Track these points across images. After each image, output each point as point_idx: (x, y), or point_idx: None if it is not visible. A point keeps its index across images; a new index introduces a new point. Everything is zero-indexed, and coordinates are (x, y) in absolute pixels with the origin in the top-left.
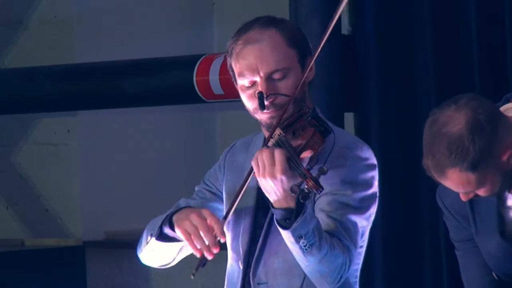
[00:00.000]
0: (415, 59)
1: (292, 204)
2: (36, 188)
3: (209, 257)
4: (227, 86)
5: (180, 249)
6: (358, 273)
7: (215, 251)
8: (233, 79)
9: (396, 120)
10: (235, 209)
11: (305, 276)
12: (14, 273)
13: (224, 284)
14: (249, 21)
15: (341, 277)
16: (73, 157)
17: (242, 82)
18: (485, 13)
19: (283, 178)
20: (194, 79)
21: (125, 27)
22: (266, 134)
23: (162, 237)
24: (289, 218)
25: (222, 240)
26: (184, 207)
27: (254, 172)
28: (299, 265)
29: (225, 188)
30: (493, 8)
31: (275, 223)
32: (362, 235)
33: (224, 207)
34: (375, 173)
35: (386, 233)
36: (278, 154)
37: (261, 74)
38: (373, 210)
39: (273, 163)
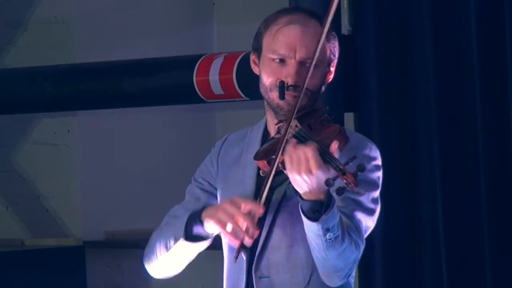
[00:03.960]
0: (415, 59)
1: (322, 197)
2: (36, 188)
3: (249, 242)
4: (227, 86)
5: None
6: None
7: (256, 234)
8: (254, 53)
9: (396, 120)
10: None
11: (311, 272)
12: (14, 273)
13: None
14: (291, 7)
15: (350, 273)
16: (73, 157)
17: (272, 55)
18: (485, 12)
19: (319, 172)
20: (194, 79)
21: (125, 27)
22: (271, 120)
23: (191, 238)
24: (318, 210)
25: (260, 213)
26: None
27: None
28: (301, 259)
29: (221, 181)
30: (493, 7)
31: (302, 215)
32: (365, 233)
33: (219, 202)
34: (381, 173)
35: (386, 233)
36: (312, 149)
37: (297, 56)
38: (378, 212)
39: (307, 158)
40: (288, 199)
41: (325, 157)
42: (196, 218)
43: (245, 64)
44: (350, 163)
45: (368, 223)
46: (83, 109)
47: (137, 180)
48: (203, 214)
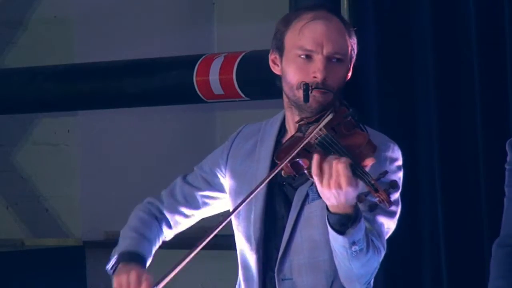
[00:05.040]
0: (415, 59)
1: (350, 211)
2: (36, 188)
3: None
4: (227, 86)
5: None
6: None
7: None
8: (275, 53)
9: (396, 120)
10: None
11: (334, 277)
12: (14, 273)
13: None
14: (310, 4)
15: (371, 279)
16: (73, 157)
17: (298, 51)
18: (485, 12)
19: (350, 189)
20: (194, 79)
21: (125, 27)
22: (291, 115)
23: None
24: (345, 223)
25: None
26: (137, 254)
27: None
28: (324, 262)
29: (230, 174)
30: (493, 7)
31: (329, 227)
32: (386, 236)
33: (217, 192)
34: (402, 174)
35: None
36: (345, 164)
37: (324, 51)
38: (399, 212)
39: (339, 173)
40: (310, 202)
41: (356, 171)
42: (115, 263)
43: (245, 64)
44: (382, 179)
45: (390, 225)
46: (83, 109)
47: (137, 180)
48: (120, 265)
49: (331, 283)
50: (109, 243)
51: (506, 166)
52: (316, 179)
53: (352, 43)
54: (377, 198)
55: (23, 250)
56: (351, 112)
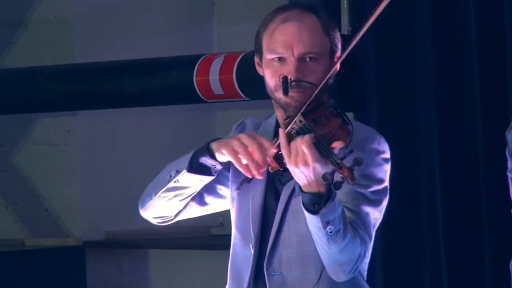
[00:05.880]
0: (415, 59)
1: (322, 189)
2: (36, 188)
3: (258, 176)
4: (227, 86)
5: (188, 204)
6: (367, 267)
7: (263, 168)
8: (257, 56)
9: (396, 120)
10: (241, 185)
11: (322, 268)
12: (14, 273)
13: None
14: (287, 4)
15: (356, 268)
16: (73, 157)
17: (271, 55)
18: (485, 12)
19: (316, 165)
20: (194, 79)
21: (125, 27)
22: (280, 115)
23: (195, 169)
24: (318, 203)
25: (271, 153)
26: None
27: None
28: (313, 256)
29: (231, 167)
30: (493, 7)
31: (303, 208)
32: (374, 227)
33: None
34: (389, 167)
35: (386, 233)
36: (309, 141)
37: (295, 53)
38: (385, 203)
39: (303, 150)
40: (297, 195)
41: (322, 151)
42: (203, 149)
43: (245, 64)
44: (348, 157)
45: (375, 214)
46: (83, 109)
47: (137, 180)
48: (214, 145)
49: (319, 275)
50: (109, 243)
51: (509, 174)
52: (286, 160)
53: (332, 38)
54: (341, 175)
55: (23, 250)
56: (332, 103)
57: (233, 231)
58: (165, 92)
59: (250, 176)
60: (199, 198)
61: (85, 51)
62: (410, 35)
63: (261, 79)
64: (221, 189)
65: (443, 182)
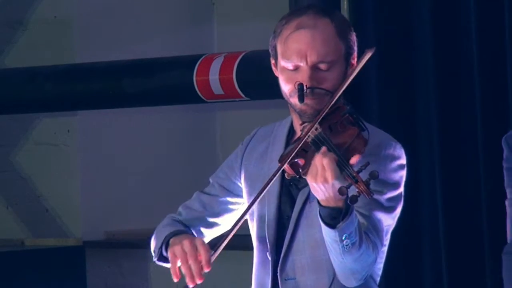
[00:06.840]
0: (415, 59)
1: (340, 204)
2: (36, 188)
3: (190, 285)
4: (227, 86)
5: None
6: (380, 272)
7: (198, 281)
8: (272, 58)
9: (396, 120)
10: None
11: (334, 274)
12: (14, 273)
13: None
14: (301, 7)
15: (367, 275)
16: (73, 157)
17: (285, 64)
18: (485, 12)
19: (335, 182)
20: (194, 79)
21: (125, 27)
22: (296, 120)
23: (163, 258)
24: (336, 217)
25: (206, 271)
26: (182, 231)
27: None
28: (326, 261)
29: (244, 177)
30: (493, 7)
31: (320, 221)
32: (386, 233)
33: (236, 198)
34: (404, 173)
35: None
36: (329, 159)
37: (309, 61)
38: (399, 210)
39: (324, 167)
40: (311, 201)
41: (340, 165)
42: (165, 241)
43: (245, 64)
44: (363, 170)
45: (388, 221)
46: (83, 109)
47: (137, 180)
48: (171, 240)
49: (332, 281)
50: (109, 243)
51: (504, 165)
52: (303, 172)
53: (348, 41)
54: (357, 190)
55: (23, 250)
56: (348, 109)
57: (254, 241)
58: (165, 92)
59: (176, 279)
60: (215, 225)
61: (85, 51)
62: (410, 35)
63: (261, 79)
64: (236, 202)
65: (443, 182)
